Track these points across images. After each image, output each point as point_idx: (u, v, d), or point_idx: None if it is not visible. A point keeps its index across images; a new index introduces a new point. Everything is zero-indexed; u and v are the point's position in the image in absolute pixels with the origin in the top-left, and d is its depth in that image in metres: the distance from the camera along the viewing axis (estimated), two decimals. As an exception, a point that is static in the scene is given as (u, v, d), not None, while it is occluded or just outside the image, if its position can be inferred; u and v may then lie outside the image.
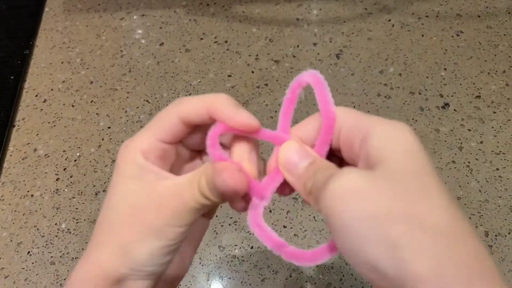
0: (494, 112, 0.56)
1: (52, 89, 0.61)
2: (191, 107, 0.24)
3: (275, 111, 0.57)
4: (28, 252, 0.49)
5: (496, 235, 0.48)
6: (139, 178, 0.24)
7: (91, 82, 0.61)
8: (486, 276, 0.18)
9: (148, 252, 0.23)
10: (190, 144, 0.26)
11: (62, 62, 0.63)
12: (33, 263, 0.48)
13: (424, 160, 0.20)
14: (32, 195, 0.52)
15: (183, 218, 0.23)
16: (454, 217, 0.19)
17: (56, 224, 0.51)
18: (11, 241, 0.50)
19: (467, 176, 0.51)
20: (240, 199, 0.25)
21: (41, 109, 0.59)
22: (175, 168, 0.26)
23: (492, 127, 0.54)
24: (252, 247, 0.48)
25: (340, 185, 0.20)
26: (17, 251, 0.49)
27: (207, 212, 0.26)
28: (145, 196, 0.24)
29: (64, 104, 0.59)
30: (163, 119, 0.24)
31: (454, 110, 0.56)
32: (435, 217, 0.18)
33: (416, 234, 0.18)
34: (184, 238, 0.24)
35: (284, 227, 0.49)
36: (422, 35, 0.63)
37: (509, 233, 0.48)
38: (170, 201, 0.23)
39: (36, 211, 0.51)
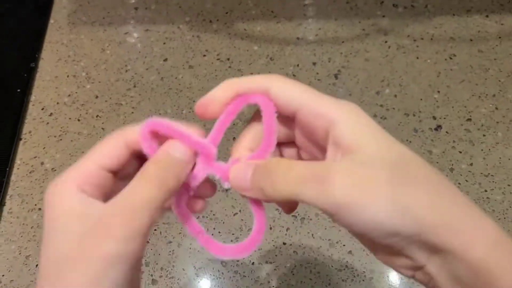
0: (484, 135, 0.58)
1: (58, 103, 0.62)
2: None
3: (276, 130, 0.59)
4: (37, 265, 0.51)
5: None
6: (79, 209, 0.22)
7: (96, 97, 0.62)
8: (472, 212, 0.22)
9: (111, 285, 0.21)
10: (124, 173, 0.26)
11: (68, 76, 0.64)
12: (41, 275, 0.50)
13: (385, 137, 0.23)
14: (39, 209, 0.54)
15: (136, 225, 0.22)
16: (438, 173, 0.23)
17: (63, 237, 0.52)
18: (19, 254, 0.51)
19: (457, 197, 0.54)
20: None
21: (47, 123, 0.60)
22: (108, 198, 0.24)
23: (482, 150, 0.57)
24: (253, 263, 0.50)
25: (348, 178, 0.22)
26: (26, 264, 0.51)
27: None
28: (91, 221, 0.22)
29: (70, 118, 0.61)
30: (109, 145, 0.24)
31: (446, 132, 0.59)
32: (426, 178, 0.22)
33: (420, 194, 0.22)
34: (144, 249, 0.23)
35: (284, 244, 0.52)
36: (417, 58, 0.65)
37: (495, 253, 0.51)
38: (118, 213, 0.22)
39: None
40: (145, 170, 0.23)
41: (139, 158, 0.25)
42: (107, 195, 0.24)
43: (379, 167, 0.22)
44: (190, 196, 0.26)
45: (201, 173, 0.26)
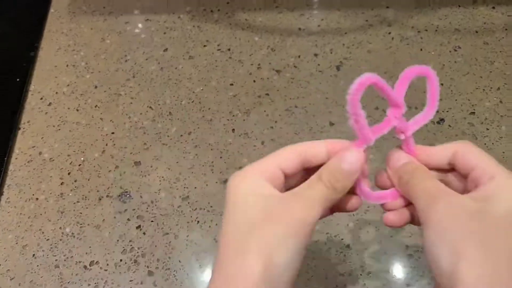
0: (487, 129, 0.57)
1: (57, 93, 0.62)
2: (313, 147, 0.30)
3: (275, 121, 0.58)
4: (33, 254, 0.51)
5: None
6: (262, 191, 0.28)
7: (96, 87, 0.62)
8: None
9: (288, 255, 0.26)
10: (290, 182, 0.31)
11: (67, 65, 0.64)
12: (38, 265, 0.50)
13: None
14: (37, 199, 0.54)
15: (312, 213, 0.27)
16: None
17: (60, 228, 0.52)
18: (16, 243, 0.51)
19: (458, 191, 0.53)
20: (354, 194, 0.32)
21: (46, 112, 0.60)
22: None
23: (485, 144, 0.56)
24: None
25: (449, 207, 0.27)
26: (23, 254, 0.51)
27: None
28: (274, 201, 0.27)
29: (69, 108, 0.60)
30: (288, 152, 0.30)
31: (449, 125, 0.58)
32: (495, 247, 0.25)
33: (477, 254, 0.24)
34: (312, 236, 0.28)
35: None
36: (421, 49, 0.64)
37: (496, 248, 0.50)
38: (298, 200, 0.27)
39: (41, 214, 0.53)
40: (321, 174, 0.29)
41: (306, 172, 0.31)
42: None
43: (480, 218, 0.26)
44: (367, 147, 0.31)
45: (392, 122, 0.32)
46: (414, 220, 0.33)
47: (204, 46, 0.65)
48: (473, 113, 0.59)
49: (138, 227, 0.52)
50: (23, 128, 0.59)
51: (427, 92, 0.32)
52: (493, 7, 0.68)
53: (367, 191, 0.32)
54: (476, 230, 0.25)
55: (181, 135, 0.58)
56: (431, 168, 0.32)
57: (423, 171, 0.31)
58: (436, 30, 0.66)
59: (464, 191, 0.30)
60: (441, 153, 0.32)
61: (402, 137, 0.33)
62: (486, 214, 0.26)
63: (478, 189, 0.28)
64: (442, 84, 0.61)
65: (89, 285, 0.49)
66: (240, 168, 0.53)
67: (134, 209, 0.53)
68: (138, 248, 0.51)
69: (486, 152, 0.31)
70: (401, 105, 0.32)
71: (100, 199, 0.54)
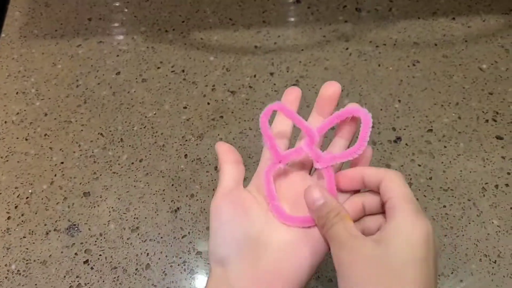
0: (445, 147, 0.56)
1: (6, 122, 0.60)
2: None
3: (229, 145, 0.57)
4: (-23, 295, 0.49)
5: (439, 275, 0.48)
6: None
7: (46, 114, 0.60)
8: None
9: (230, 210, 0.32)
10: None
11: (17, 93, 0.62)
12: (-19, 306, 0.48)
13: (422, 269, 0.27)
14: (-18, 235, 0.52)
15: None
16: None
17: (6, 265, 0.51)
18: (-40, 283, 0.50)
19: (414, 214, 0.52)
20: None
21: (-6, 143, 0.59)
22: None
23: (442, 162, 0.55)
24: (199, 289, 0.49)
25: (351, 254, 0.29)
26: (-33, 294, 0.49)
27: None
28: None
29: (17, 138, 0.59)
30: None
31: (406, 144, 0.56)
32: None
33: None
34: None
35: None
36: (379, 65, 0.63)
37: (452, 272, 0.49)
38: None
39: (-14, 251, 0.51)
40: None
41: None
42: None
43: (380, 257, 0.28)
44: (279, 167, 0.34)
45: (303, 150, 0.33)
46: None
47: (158, 68, 0.64)
48: (431, 130, 0.57)
49: (86, 261, 0.50)
50: (-30, 161, 0.57)
51: (360, 132, 0.32)
52: (453, 18, 0.67)
53: (279, 209, 0.33)
54: (373, 275, 0.27)
55: (132, 163, 0.56)
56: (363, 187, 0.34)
57: (336, 214, 0.31)
58: (394, 44, 0.65)
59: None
60: (374, 176, 0.33)
61: (317, 166, 0.33)
62: (383, 259, 0.27)
63: (382, 229, 0.30)
64: (399, 101, 0.60)
65: (33, 325, 0.47)
66: (192, 195, 0.52)
67: (82, 243, 0.51)
68: (85, 284, 0.49)
69: (407, 186, 0.31)
70: (314, 135, 0.33)
71: (47, 233, 0.52)
